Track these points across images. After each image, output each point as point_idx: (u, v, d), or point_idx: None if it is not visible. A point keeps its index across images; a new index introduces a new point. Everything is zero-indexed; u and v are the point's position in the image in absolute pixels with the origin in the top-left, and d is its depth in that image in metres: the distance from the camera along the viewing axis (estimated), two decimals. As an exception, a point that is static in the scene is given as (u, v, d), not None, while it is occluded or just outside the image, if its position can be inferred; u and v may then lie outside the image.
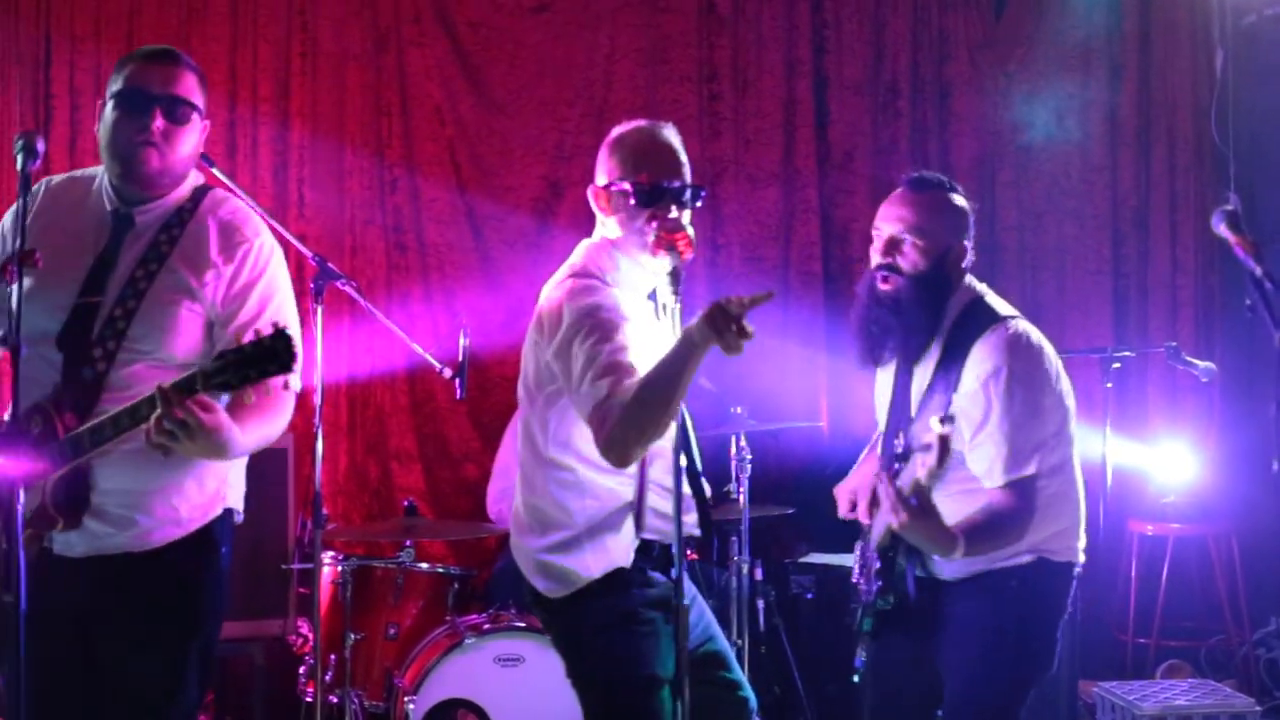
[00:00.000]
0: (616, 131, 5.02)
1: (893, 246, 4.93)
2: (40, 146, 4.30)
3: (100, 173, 4.76)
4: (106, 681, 4.58)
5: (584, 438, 4.66)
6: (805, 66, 9.74)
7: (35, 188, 4.80)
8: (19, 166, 4.23)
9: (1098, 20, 9.96)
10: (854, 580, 5.21)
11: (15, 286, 4.01)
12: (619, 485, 4.78)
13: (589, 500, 4.82)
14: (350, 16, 9.15)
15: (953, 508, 4.67)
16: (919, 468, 4.44)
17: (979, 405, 4.72)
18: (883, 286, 4.94)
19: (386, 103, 9.23)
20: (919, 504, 4.44)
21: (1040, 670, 4.97)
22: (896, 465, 4.89)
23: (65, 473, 4.34)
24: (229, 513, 4.80)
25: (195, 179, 4.82)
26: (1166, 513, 9.14)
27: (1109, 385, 7.71)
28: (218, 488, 4.74)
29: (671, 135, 4.95)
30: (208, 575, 4.72)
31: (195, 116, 4.68)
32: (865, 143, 9.76)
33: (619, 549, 4.81)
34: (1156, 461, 9.26)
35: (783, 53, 9.73)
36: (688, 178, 4.89)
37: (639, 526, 4.80)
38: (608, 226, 4.93)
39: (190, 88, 4.66)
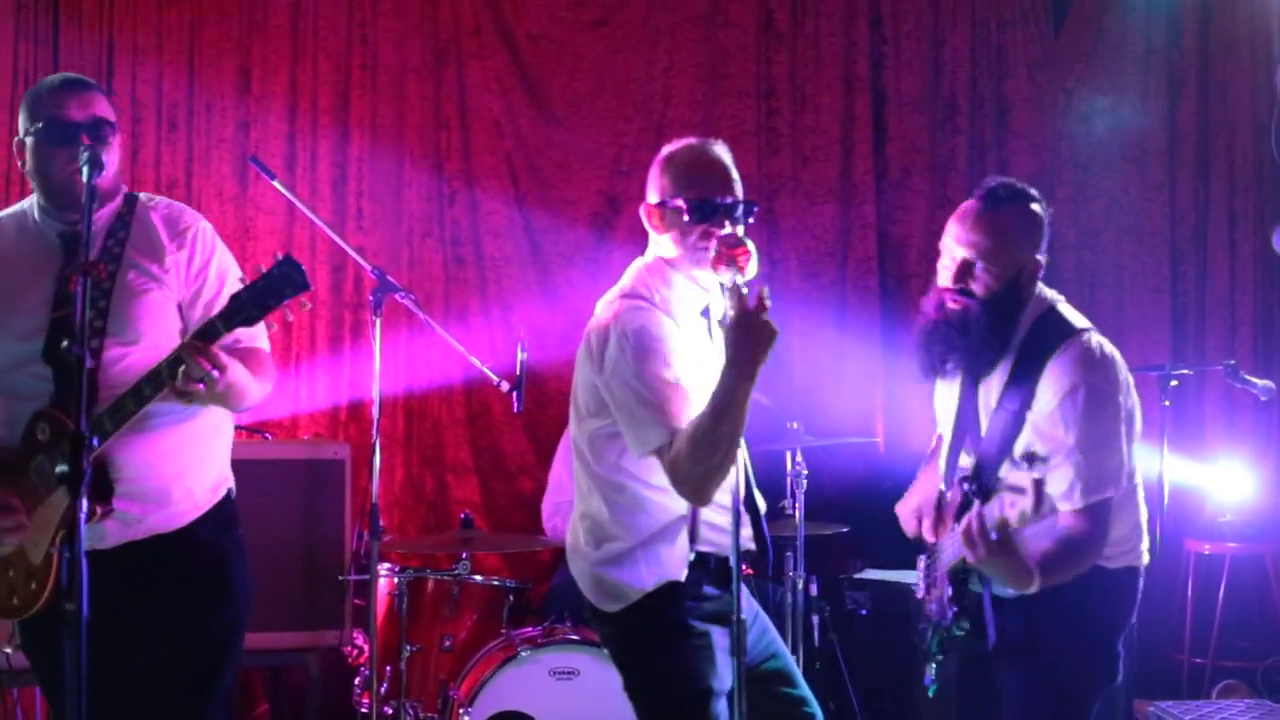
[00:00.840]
0: (667, 149, 5.00)
1: (965, 271, 4.80)
2: (106, 159, 4.38)
3: (28, 207, 4.88)
4: (143, 675, 4.67)
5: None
6: (863, 83, 9.74)
7: None
8: (85, 178, 4.31)
9: (1157, 38, 9.93)
10: (919, 598, 5.14)
11: (79, 295, 4.06)
12: (671, 500, 4.76)
13: (642, 515, 4.83)
14: (410, 29, 9.19)
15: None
16: (1008, 508, 4.23)
17: (1058, 425, 4.60)
18: (952, 305, 4.81)
19: (446, 115, 9.26)
20: (1000, 540, 4.28)
21: (1100, 684, 4.86)
22: (965, 485, 4.78)
23: (91, 461, 4.42)
24: (230, 493, 4.98)
25: (122, 188, 4.94)
26: (1224, 532, 9.09)
27: (1166, 403, 7.69)
28: (220, 469, 4.94)
29: (722, 151, 4.94)
30: (234, 553, 4.90)
31: (115, 134, 4.79)
32: (923, 159, 9.75)
33: (672, 562, 4.81)
34: (1214, 480, 9.22)
35: (841, 69, 9.73)
36: (740, 193, 4.88)
37: (693, 539, 4.80)
38: (661, 244, 4.93)
39: (105, 107, 4.78)
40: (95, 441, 4.15)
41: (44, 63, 8.55)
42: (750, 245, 4.58)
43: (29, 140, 4.71)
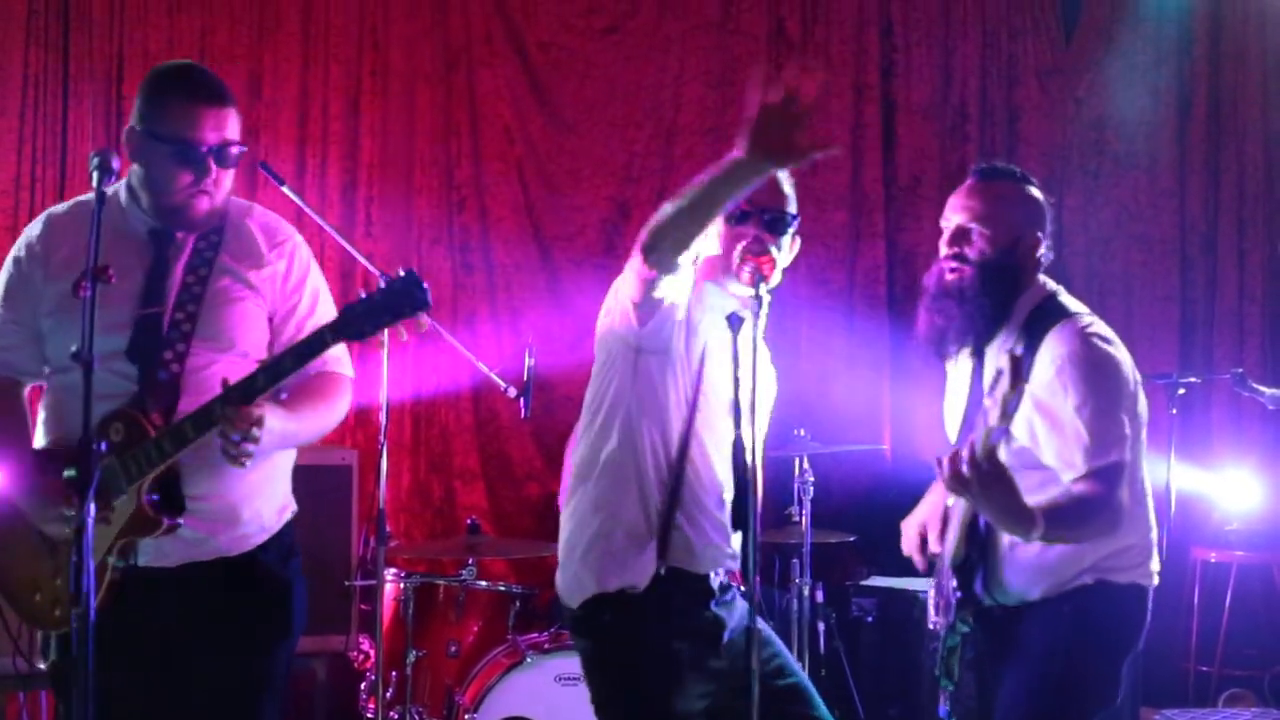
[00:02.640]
0: None
1: (960, 236, 4.81)
2: (116, 164, 4.30)
3: (111, 194, 4.64)
4: (196, 697, 4.58)
5: (628, 449, 4.79)
6: (874, 91, 9.76)
7: (35, 222, 4.76)
8: (94, 183, 4.20)
9: (1167, 46, 9.96)
10: (931, 624, 5.08)
11: (88, 301, 4.01)
12: (648, 507, 4.80)
13: (624, 510, 4.83)
14: (421, 36, 9.20)
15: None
16: (990, 411, 4.15)
17: (1057, 392, 4.54)
18: (949, 276, 4.81)
19: (456, 122, 9.27)
20: (991, 467, 4.13)
21: (1096, 704, 4.77)
22: None
23: (161, 473, 4.34)
24: (293, 515, 4.83)
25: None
26: (1230, 540, 9.10)
27: (1174, 411, 7.71)
28: (286, 491, 4.80)
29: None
30: (295, 584, 4.75)
31: (242, 154, 4.63)
32: (933, 167, 9.76)
33: (637, 569, 4.80)
34: (1220, 488, 9.23)
35: (851, 77, 9.75)
36: (786, 206, 4.90)
37: (662, 554, 4.78)
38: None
39: (236, 125, 4.60)
40: (104, 446, 4.08)
41: (54, 69, 8.54)
42: (775, 254, 4.61)
43: (149, 142, 4.51)
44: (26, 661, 4.80)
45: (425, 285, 3.98)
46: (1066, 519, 4.44)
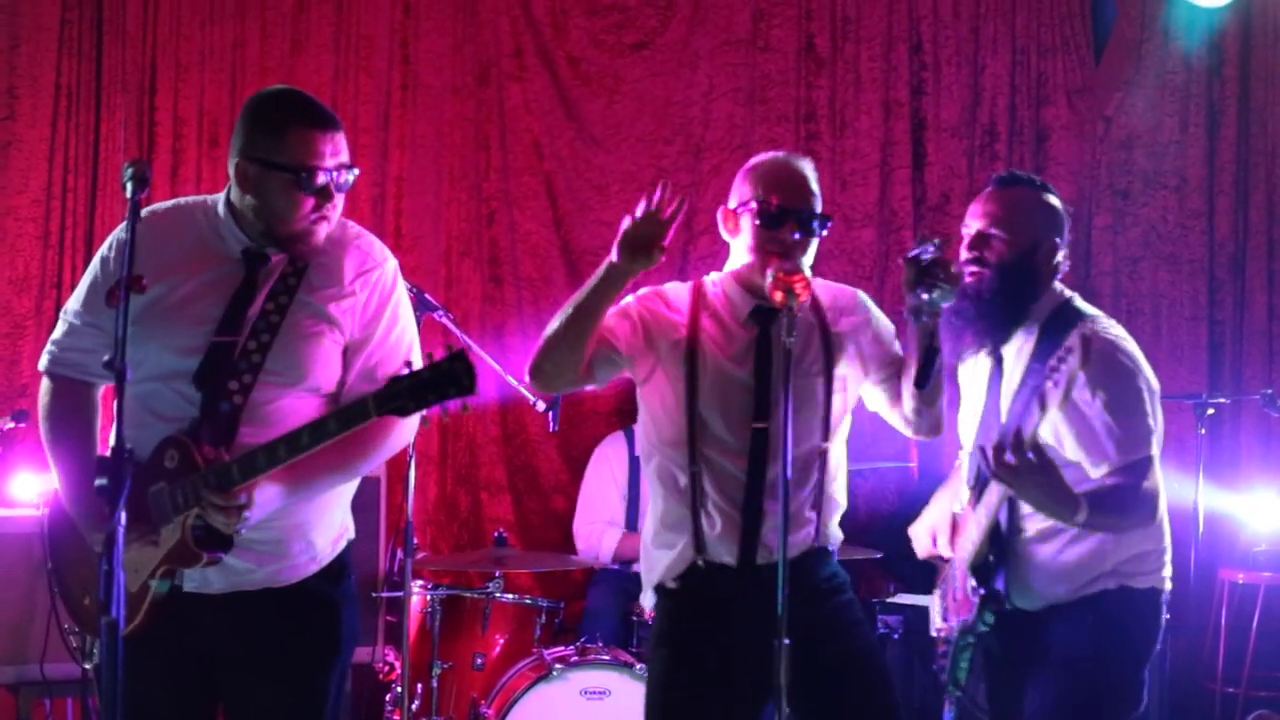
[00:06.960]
0: (754, 159, 5.05)
1: (980, 241, 4.90)
2: (150, 175, 4.20)
3: (211, 207, 4.57)
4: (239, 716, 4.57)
5: (654, 449, 4.93)
6: (903, 108, 9.75)
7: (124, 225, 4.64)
8: (129, 194, 4.09)
9: (1197, 66, 9.94)
10: (935, 632, 5.12)
11: (121, 310, 3.96)
12: (679, 504, 4.87)
13: (660, 505, 4.95)
14: (451, 50, 9.21)
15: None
16: (1049, 389, 4.30)
17: (1082, 391, 4.60)
18: (969, 279, 4.87)
19: (485, 136, 9.27)
20: (1038, 454, 4.32)
21: (1126, 708, 4.86)
22: (984, 460, 4.79)
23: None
24: (350, 544, 4.73)
25: None
26: (1258, 561, 9.05)
27: (1202, 432, 7.70)
28: (344, 518, 4.70)
29: (806, 166, 4.96)
30: (345, 605, 4.65)
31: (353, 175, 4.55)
32: (961, 185, 9.74)
33: (666, 563, 4.90)
34: (1249, 509, 9.18)
35: (881, 94, 9.74)
36: (816, 207, 4.90)
37: (699, 548, 4.83)
38: (734, 250, 4.99)
39: (346, 147, 4.50)
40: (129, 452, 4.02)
41: (87, 79, 8.56)
42: (807, 272, 4.64)
43: (267, 175, 4.38)
44: (77, 664, 4.77)
45: (475, 370, 3.88)
46: (1109, 507, 4.60)
